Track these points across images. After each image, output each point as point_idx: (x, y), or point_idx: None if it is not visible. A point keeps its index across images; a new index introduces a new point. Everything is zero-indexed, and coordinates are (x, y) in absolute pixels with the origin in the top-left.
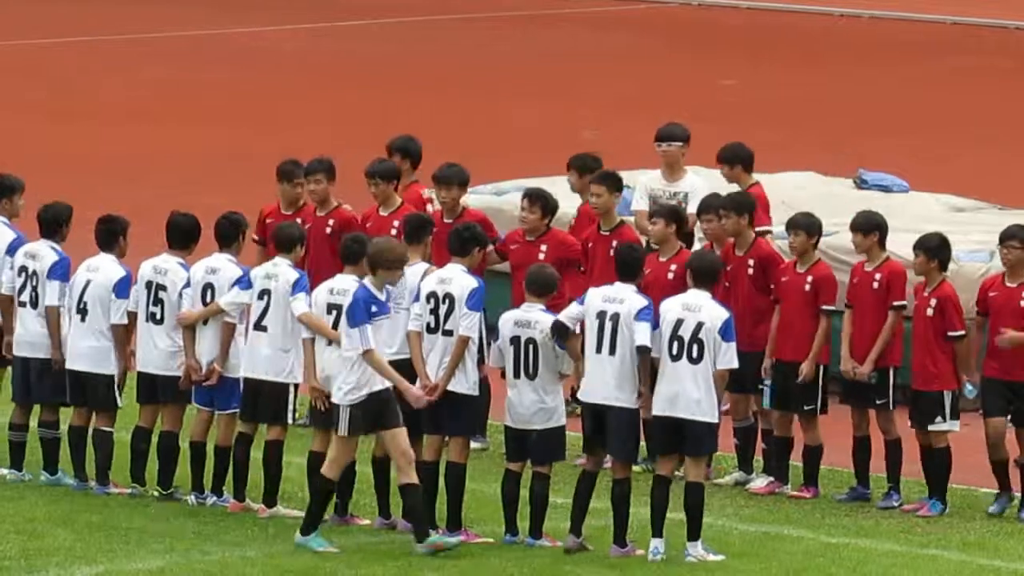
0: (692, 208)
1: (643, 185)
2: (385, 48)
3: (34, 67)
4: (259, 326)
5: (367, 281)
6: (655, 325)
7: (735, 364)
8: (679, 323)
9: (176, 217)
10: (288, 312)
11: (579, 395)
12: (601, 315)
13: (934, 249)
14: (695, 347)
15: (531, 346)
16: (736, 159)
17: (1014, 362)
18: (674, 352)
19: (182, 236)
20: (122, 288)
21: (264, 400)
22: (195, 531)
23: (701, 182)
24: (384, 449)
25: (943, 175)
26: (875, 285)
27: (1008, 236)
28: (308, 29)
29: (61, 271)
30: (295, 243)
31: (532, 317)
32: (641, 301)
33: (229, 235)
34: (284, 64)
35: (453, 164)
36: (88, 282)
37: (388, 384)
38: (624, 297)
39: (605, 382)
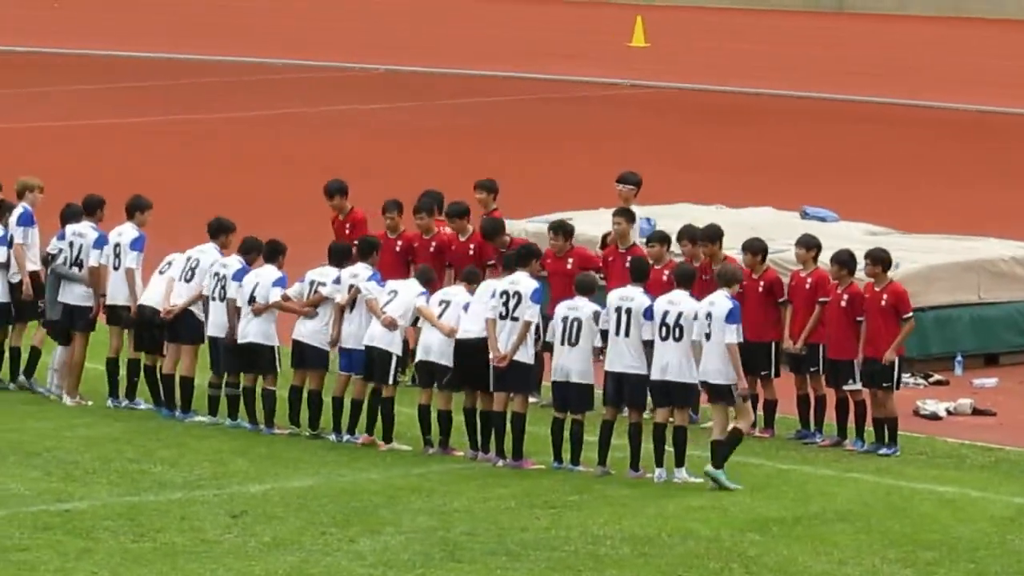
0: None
1: (611, 215)
2: (460, 120)
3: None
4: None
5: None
6: (649, 316)
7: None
8: (665, 314)
9: (333, 244)
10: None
11: (605, 366)
12: (619, 309)
13: (845, 261)
14: (677, 330)
15: (576, 324)
16: (716, 236)
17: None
18: (663, 335)
19: (336, 255)
20: (280, 284)
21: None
22: (334, 460)
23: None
24: (472, 401)
25: (862, 209)
26: (807, 286)
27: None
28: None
29: (240, 274)
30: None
31: (579, 304)
32: (646, 300)
33: (365, 250)
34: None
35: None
36: (256, 284)
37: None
38: (634, 296)
39: (622, 356)
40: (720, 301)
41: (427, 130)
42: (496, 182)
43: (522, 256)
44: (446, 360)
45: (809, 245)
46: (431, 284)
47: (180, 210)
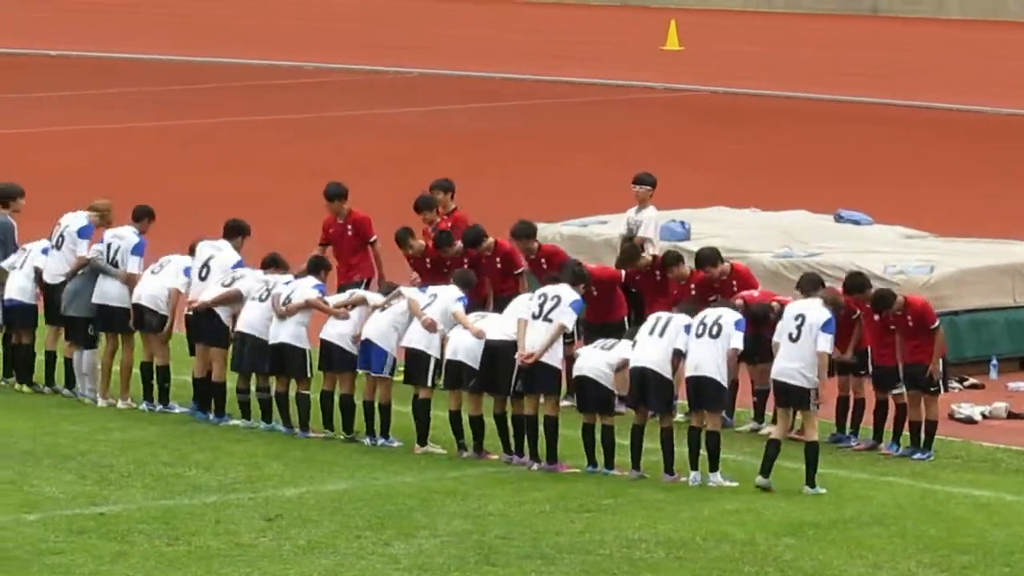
0: (643, 230)
1: (625, 215)
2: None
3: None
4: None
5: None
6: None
7: (741, 346)
8: (704, 315)
9: None
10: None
11: (631, 363)
12: (659, 315)
13: (859, 286)
14: (715, 328)
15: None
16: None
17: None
18: (698, 332)
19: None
20: (319, 290)
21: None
22: (369, 463)
23: (655, 213)
24: (501, 406)
25: (899, 212)
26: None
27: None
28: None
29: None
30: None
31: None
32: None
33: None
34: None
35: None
36: (294, 290)
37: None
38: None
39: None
40: (817, 309)
41: (458, 133)
42: (452, 181)
43: (576, 275)
44: (472, 361)
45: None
46: (470, 287)
47: (209, 212)
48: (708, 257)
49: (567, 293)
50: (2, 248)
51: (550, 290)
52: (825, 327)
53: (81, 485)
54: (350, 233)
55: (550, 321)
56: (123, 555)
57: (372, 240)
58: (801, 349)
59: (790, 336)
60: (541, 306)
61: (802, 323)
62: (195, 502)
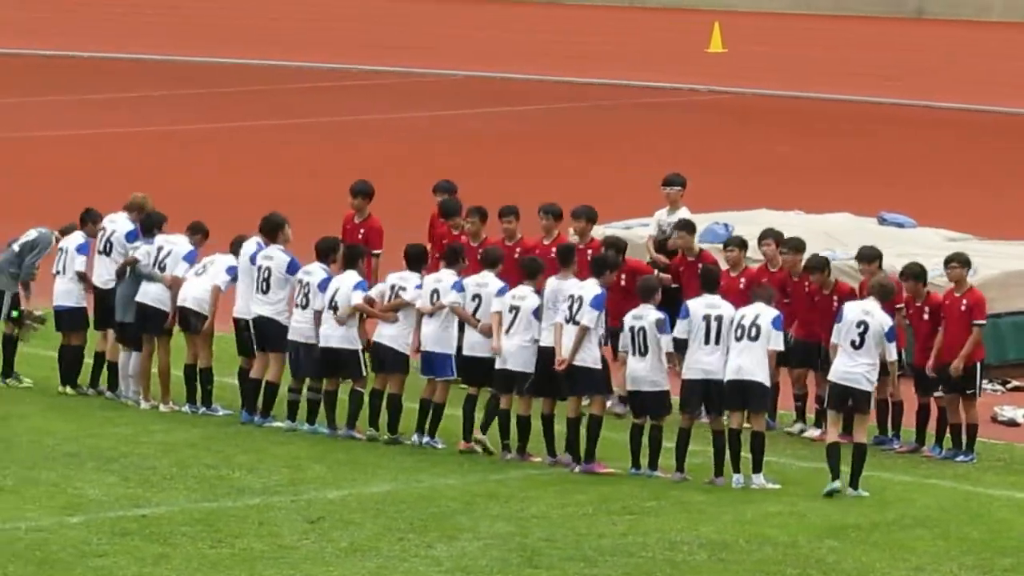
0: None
1: (655, 217)
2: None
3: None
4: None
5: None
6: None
7: (781, 347)
8: (742, 316)
9: (409, 248)
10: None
11: (683, 375)
12: (707, 317)
13: (918, 274)
14: (753, 330)
15: (642, 333)
16: (801, 247)
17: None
18: (737, 335)
19: (415, 259)
20: (361, 288)
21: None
22: (412, 465)
23: (688, 213)
24: (550, 407)
25: (940, 215)
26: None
27: (947, 260)
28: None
29: (325, 283)
30: (499, 262)
31: (643, 312)
32: (731, 309)
33: (451, 258)
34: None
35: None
36: (337, 289)
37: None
38: (720, 304)
39: (711, 362)
40: (879, 314)
41: (502, 135)
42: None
43: (597, 264)
44: (522, 367)
45: (871, 258)
46: (540, 273)
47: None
48: (818, 265)
49: (589, 291)
50: (31, 257)
51: (576, 291)
52: (889, 335)
53: (124, 487)
54: (360, 236)
55: (578, 323)
56: (166, 557)
57: (376, 252)
58: (866, 353)
59: (853, 343)
60: (570, 308)
61: (865, 330)
62: (238, 504)
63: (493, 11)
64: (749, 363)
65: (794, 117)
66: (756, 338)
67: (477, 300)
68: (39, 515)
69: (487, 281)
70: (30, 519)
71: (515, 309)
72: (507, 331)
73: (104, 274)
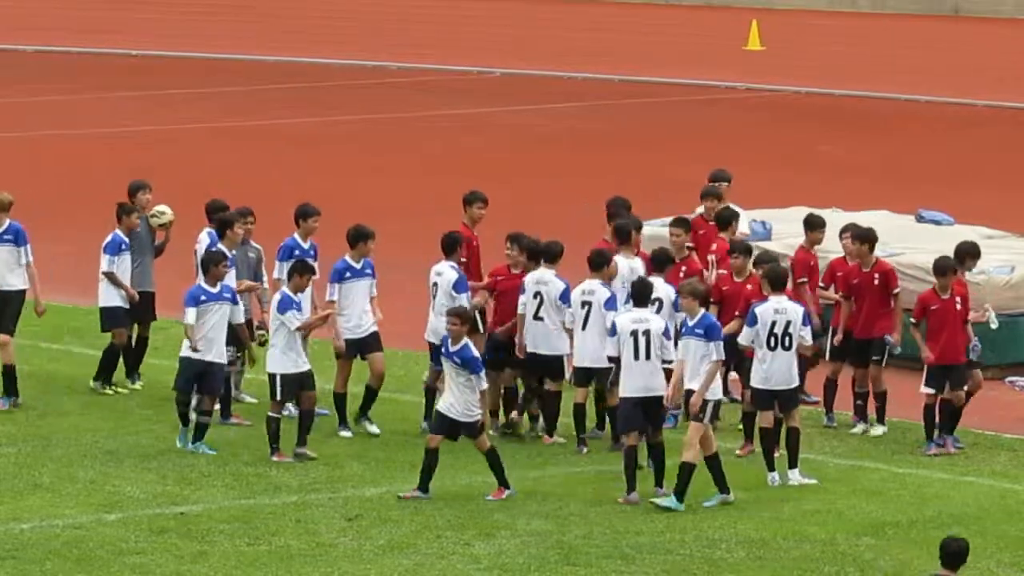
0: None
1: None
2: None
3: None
4: (536, 317)
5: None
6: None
7: (810, 340)
8: (773, 323)
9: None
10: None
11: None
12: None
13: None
14: (786, 339)
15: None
16: (868, 238)
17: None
18: (770, 344)
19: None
20: (462, 288)
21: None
22: (450, 463)
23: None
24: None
25: (979, 213)
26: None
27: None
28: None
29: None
30: (559, 257)
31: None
32: (799, 309)
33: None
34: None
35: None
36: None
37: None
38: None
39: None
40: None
41: (544, 134)
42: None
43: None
44: (600, 363)
45: (865, 238)
46: (607, 265)
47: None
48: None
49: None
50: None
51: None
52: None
53: (162, 485)
54: (474, 243)
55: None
56: (203, 555)
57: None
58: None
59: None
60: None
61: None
62: (275, 502)
63: (529, 10)
64: (778, 371)
65: (832, 114)
66: (789, 348)
67: (539, 298)
68: (77, 512)
69: (548, 279)
70: (67, 516)
71: (587, 304)
72: (583, 327)
73: None
